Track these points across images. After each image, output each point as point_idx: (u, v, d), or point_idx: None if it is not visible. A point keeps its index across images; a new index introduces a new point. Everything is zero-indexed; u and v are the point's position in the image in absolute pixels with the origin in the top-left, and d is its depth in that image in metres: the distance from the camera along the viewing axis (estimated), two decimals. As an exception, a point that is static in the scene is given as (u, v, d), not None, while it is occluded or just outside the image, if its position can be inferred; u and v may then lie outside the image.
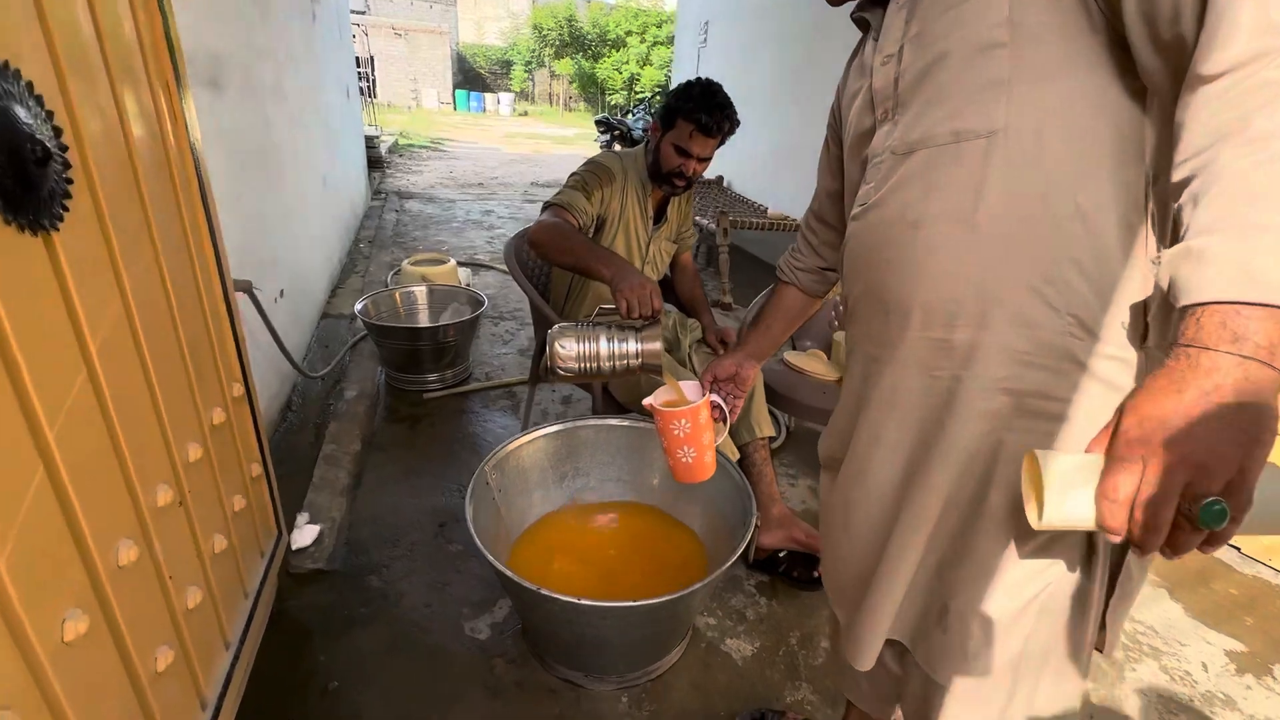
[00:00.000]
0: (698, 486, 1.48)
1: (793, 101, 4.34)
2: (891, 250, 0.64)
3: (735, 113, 1.51)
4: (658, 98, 11.06)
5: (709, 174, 4.94)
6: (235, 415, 1.13)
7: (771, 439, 1.66)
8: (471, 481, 1.29)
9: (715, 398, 0.96)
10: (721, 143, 1.54)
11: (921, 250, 0.62)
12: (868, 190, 0.68)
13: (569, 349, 1.06)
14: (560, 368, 1.07)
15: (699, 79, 1.53)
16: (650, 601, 1.03)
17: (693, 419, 0.92)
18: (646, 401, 0.93)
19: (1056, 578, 0.64)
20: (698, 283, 1.87)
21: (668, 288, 1.90)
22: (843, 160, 0.84)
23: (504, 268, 4.05)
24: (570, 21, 23.60)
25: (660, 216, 1.68)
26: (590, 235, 1.61)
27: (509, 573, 1.04)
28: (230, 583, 1.08)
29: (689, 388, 0.99)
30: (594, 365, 1.05)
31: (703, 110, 1.47)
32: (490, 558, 1.07)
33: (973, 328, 0.60)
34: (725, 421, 0.97)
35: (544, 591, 1.02)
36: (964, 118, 0.58)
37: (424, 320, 2.62)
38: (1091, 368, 0.58)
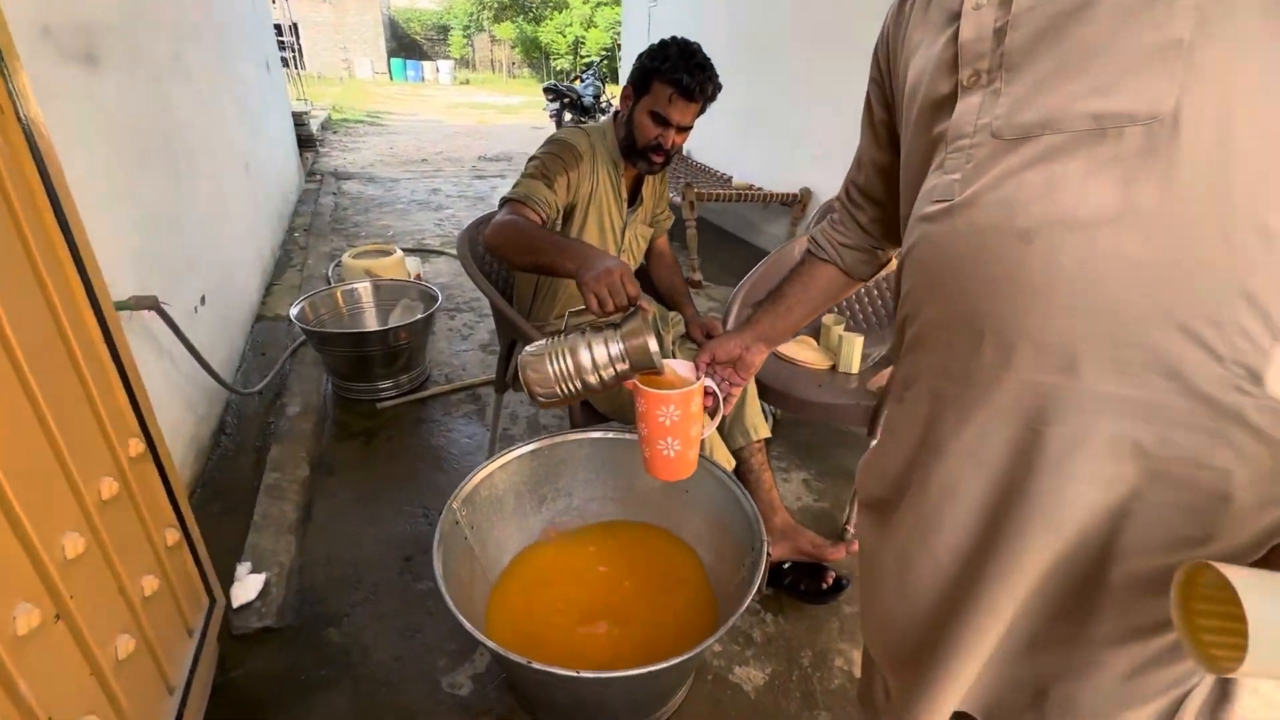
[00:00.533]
0: (698, 499, 1.35)
1: (755, 63, 4.12)
2: (992, 267, 0.48)
3: (717, 75, 1.32)
4: (606, 62, 10.63)
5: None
6: (136, 479, 0.91)
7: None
8: (438, 523, 1.11)
9: (710, 383, 0.82)
10: (703, 109, 1.35)
11: (1036, 270, 0.46)
12: (950, 183, 0.51)
13: (543, 372, 0.86)
14: (541, 396, 0.87)
15: (674, 38, 1.32)
16: (658, 667, 0.89)
17: (683, 406, 0.78)
18: (629, 380, 0.82)
19: (1196, 678, 0.51)
20: (676, 270, 1.70)
21: (643, 277, 1.72)
22: (892, 127, 0.68)
23: (456, 253, 3.78)
24: (508, -18, 22.47)
25: (634, 197, 1.49)
26: (557, 228, 1.41)
27: (496, 647, 0.88)
28: (146, 686, 0.89)
29: (679, 367, 0.85)
30: (577, 384, 0.86)
31: (683, 70, 1.28)
32: (470, 627, 0.90)
33: (1099, 373, 0.45)
34: (718, 413, 0.84)
35: (537, 666, 0.86)
36: (1114, 94, 0.42)
37: (371, 321, 2.37)
38: (1263, 430, 0.43)
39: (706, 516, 1.32)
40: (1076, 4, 0.43)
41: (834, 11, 3.38)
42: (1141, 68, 0.41)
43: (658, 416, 0.79)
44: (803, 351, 1.81)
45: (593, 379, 0.86)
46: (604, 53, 20.41)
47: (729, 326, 1.72)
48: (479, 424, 2.10)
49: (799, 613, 1.43)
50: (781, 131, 3.96)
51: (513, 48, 23.82)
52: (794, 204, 3.72)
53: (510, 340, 1.59)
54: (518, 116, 12.25)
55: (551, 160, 1.34)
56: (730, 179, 4.12)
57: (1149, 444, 0.46)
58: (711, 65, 1.32)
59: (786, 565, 1.46)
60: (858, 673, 1.32)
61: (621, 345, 0.84)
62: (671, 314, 1.62)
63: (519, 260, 1.16)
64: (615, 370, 0.85)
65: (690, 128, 1.36)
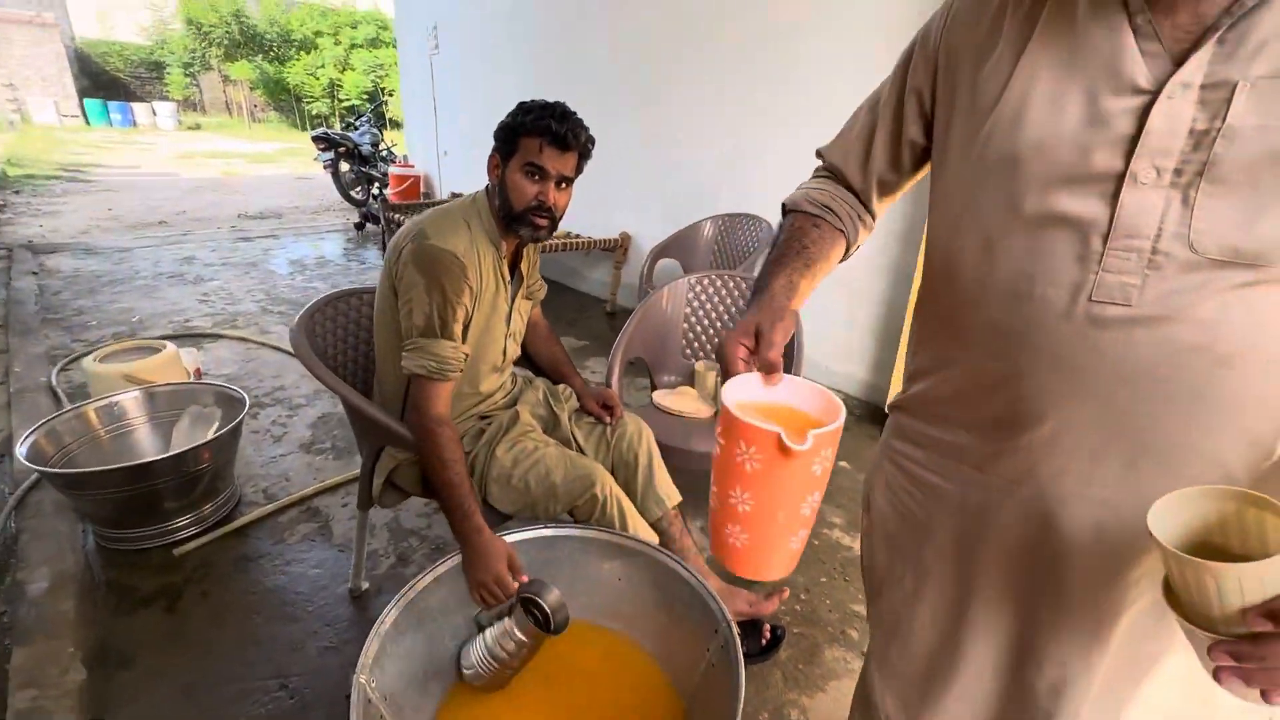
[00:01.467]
0: (635, 589, 1.24)
1: (551, 113, 4.17)
2: (1182, 386, 0.47)
3: (588, 127, 1.26)
4: (384, 106, 9.97)
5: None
6: None
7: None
8: (351, 709, 0.86)
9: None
10: (580, 167, 1.27)
11: (1229, 394, 0.46)
12: (1122, 285, 0.47)
13: (487, 679, 1.06)
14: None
15: (534, 100, 1.24)
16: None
17: (832, 446, 0.55)
18: (734, 401, 0.54)
19: None
20: (555, 340, 1.58)
21: (523, 352, 1.57)
22: (923, 151, 0.63)
23: (240, 334, 3.15)
24: (239, 17, 20.07)
25: (513, 271, 1.35)
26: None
27: None
28: None
29: (746, 386, 0.58)
30: (513, 667, 1.08)
31: (549, 118, 1.19)
32: None
33: (1257, 485, 0.48)
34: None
35: None
36: None
37: (148, 444, 1.83)
38: None
39: (649, 605, 1.22)
40: None
41: (638, 58, 3.56)
42: None
43: (809, 467, 0.52)
44: (685, 403, 1.82)
45: (519, 660, 1.06)
46: (364, 97, 19.23)
47: (612, 387, 1.66)
48: (326, 546, 1.73)
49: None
50: (594, 178, 4.04)
51: (252, 89, 21.23)
52: (615, 249, 3.81)
53: (378, 447, 1.33)
54: (276, 165, 10.90)
55: (444, 305, 1.16)
56: (546, 227, 4.09)
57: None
58: (581, 119, 1.25)
59: (722, 628, 1.42)
60: (813, 720, 1.32)
61: (518, 634, 1.05)
62: (560, 387, 1.50)
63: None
64: (528, 645, 1.06)
65: (571, 181, 1.27)
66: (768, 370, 0.57)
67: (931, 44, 0.59)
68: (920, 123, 0.62)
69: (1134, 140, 0.45)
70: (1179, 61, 0.43)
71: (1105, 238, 0.47)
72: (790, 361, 1.68)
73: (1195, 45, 0.43)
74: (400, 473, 1.33)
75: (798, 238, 0.67)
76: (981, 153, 0.52)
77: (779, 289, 0.62)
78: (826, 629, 1.54)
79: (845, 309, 2.73)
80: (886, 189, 0.69)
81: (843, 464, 2.28)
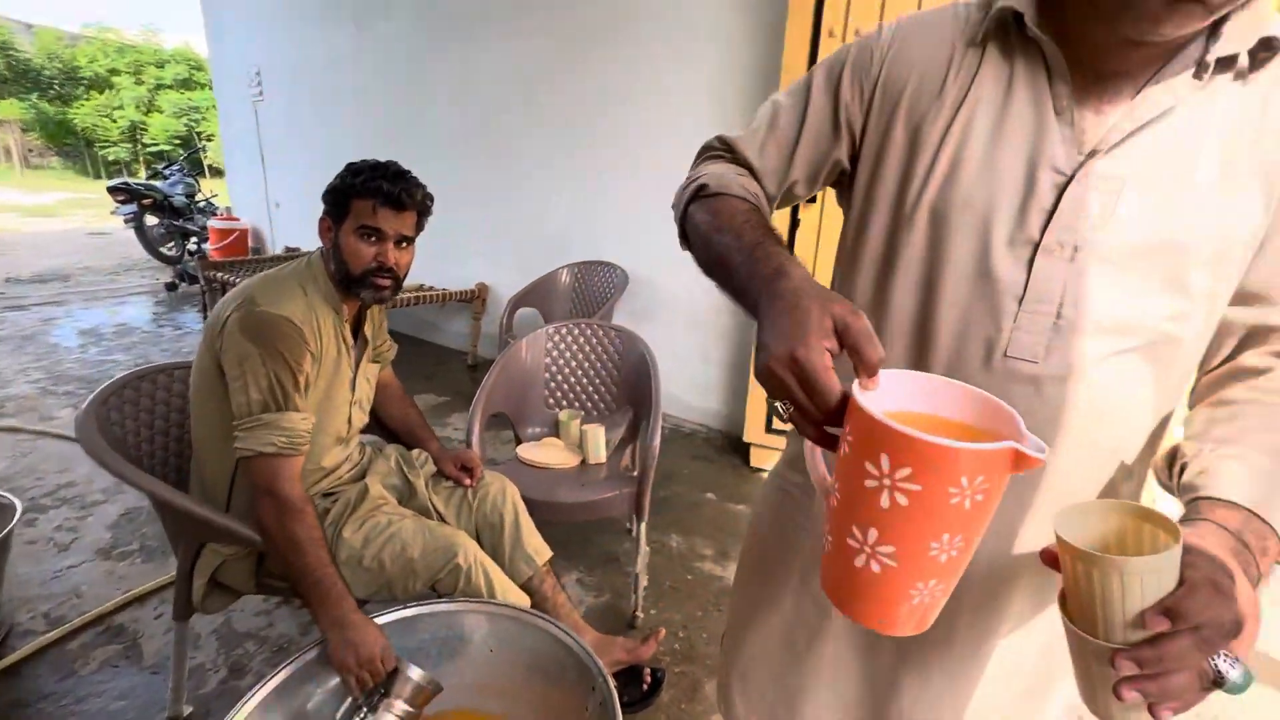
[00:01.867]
0: (506, 658, 1.18)
1: (395, 154, 4.03)
2: (1073, 437, 0.54)
3: (423, 185, 1.23)
4: (202, 153, 8.98)
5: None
6: None
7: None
8: None
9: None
10: (421, 223, 1.24)
11: (1101, 438, 0.53)
12: (1031, 344, 0.52)
13: None
14: None
15: (364, 160, 1.20)
16: None
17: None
18: (879, 413, 0.38)
19: None
20: (408, 401, 1.50)
21: (373, 417, 1.46)
22: (838, 165, 0.62)
23: (8, 424, 2.61)
24: (5, 50, 17.26)
25: (356, 334, 1.27)
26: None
27: None
28: None
29: (931, 390, 0.45)
30: None
31: (381, 178, 1.15)
32: None
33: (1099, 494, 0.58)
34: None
35: None
36: (1189, 320, 0.50)
37: None
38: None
39: (524, 672, 1.17)
40: (1171, 245, 0.48)
41: (481, 110, 3.56)
42: (1186, 298, 0.51)
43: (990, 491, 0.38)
44: (551, 454, 1.80)
45: None
46: (176, 142, 17.28)
47: (472, 445, 1.59)
48: (135, 670, 1.45)
49: (628, 725, 1.38)
50: (448, 228, 3.94)
51: (26, 131, 18.20)
52: (473, 299, 3.72)
53: (197, 546, 1.16)
54: (60, 219, 9.34)
55: (284, 374, 1.06)
56: (397, 280, 3.90)
57: None
58: (415, 177, 1.23)
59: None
60: (699, 759, 1.33)
61: (401, 705, 1.00)
62: (415, 452, 1.42)
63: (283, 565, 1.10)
64: (413, 715, 1.02)
65: (411, 240, 1.23)
66: (871, 372, 0.41)
67: (873, 70, 0.58)
68: (849, 146, 0.61)
69: (1050, 214, 0.50)
70: (1086, 151, 0.49)
71: (1020, 300, 0.51)
72: (648, 398, 1.74)
73: (1101, 141, 0.49)
74: (227, 570, 1.17)
75: (758, 218, 0.56)
76: (917, 200, 0.54)
77: (801, 268, 0.48)
78: (705, 663, 1.58)
79: (700, 346, 2.89)
80: (789, 200, 0.67)
81: (709, 495, 2.38)
